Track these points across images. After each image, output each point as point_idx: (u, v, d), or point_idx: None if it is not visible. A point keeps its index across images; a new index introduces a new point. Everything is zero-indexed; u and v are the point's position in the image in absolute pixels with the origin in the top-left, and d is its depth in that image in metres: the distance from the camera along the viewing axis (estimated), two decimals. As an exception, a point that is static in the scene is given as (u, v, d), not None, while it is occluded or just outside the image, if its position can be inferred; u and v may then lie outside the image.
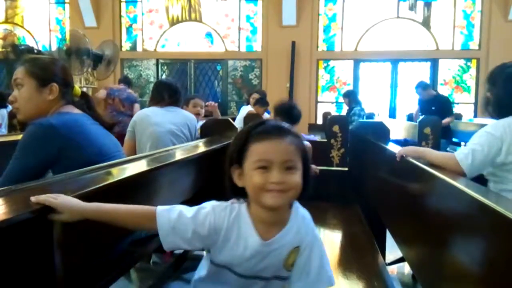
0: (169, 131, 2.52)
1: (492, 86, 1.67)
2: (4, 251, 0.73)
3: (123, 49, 9.27)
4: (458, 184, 1.20)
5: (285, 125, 0.95)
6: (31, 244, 0.80)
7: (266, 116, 4.63)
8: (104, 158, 1.45)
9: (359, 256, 1.86)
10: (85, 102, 1.60)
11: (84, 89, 7.68)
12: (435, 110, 4.93)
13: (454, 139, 5.53)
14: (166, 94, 2.66)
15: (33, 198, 0.81)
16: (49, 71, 1.48)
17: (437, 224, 1.34)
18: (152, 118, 2.54)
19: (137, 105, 5.14)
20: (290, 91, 8.32)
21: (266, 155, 0.88)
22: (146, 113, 2.59)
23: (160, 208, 0.92)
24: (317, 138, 4.45)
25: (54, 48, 9.29)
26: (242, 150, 0.91)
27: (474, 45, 8.18)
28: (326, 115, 6.14)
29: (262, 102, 4.95)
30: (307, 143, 2.22)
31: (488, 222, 0.98)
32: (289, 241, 0.94)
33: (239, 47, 9.01)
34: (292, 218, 0.95)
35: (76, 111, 1.52)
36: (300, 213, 0.98)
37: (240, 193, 0.94)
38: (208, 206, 0.96)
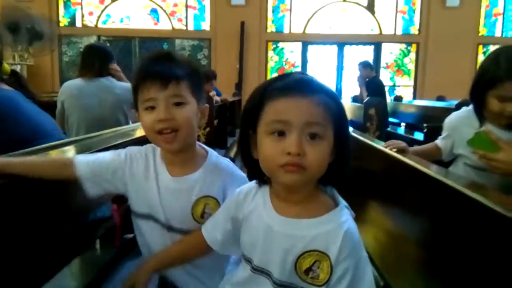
0: (98, 117, 2.29)
1: None
2: None
3: (61, 24, 8.67)
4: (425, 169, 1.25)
5: (315, 79, 0.72)
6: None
7: (213, 93, 4.44)
8: (40, 136, 1.39)
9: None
10: (16, 80, 1.52)
11: (18, 67, 7.11)
12: (368, 91, 5.08)
13: (394, 120, 5.79)
14: (97, 62, 2.38)
15: None
16: None
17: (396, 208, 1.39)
18: (80, 100, 2.29)
19: None
20: (239, 72, 8.26)
21: (282, 115, 0.68)
22: (72, 92, 2.32)
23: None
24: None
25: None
26: (256, 112, 0.71)
27: (414, 30, 8.55)
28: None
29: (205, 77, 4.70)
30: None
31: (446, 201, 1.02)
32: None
33: (186, 25, 8.75)
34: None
35: (7, 87, 1.42)
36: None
37: (257, 172, 0.75)
38: None
